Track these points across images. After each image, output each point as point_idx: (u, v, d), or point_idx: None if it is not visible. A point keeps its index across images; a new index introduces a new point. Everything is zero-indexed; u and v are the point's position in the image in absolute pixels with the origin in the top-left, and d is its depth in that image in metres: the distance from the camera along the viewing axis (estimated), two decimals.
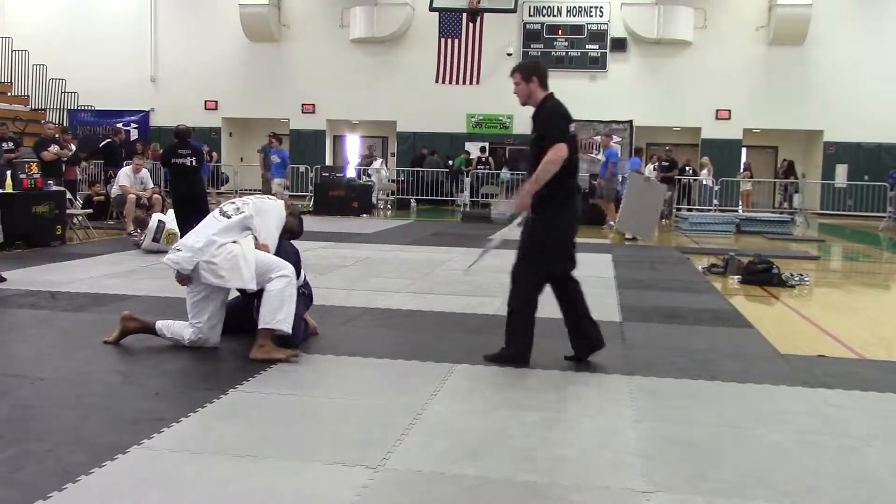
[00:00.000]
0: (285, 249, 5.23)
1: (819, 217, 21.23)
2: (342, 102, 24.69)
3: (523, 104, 5.00)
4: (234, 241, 4.92)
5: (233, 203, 5.20)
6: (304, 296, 5.33)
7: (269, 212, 5.17)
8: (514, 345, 4.88)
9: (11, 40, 24.79)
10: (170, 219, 10.21)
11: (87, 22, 25.20)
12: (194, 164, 9.55)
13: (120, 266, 8.84)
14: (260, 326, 4.80)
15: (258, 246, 5.00)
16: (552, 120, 4.80)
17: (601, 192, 16.48)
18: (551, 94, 4.91)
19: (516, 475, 3.20)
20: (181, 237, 9.48)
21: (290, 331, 4.82)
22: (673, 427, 3.85)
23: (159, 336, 5.11)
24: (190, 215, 9.47)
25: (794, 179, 21.64)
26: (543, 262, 4.84)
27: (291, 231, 5.43)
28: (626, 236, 13.43)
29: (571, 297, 4.97)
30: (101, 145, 15.83)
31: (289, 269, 4.91)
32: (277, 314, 4.76)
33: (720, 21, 23.39)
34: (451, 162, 22.56)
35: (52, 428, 3.59)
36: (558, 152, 4.61)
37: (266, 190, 19.07)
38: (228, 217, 5.04)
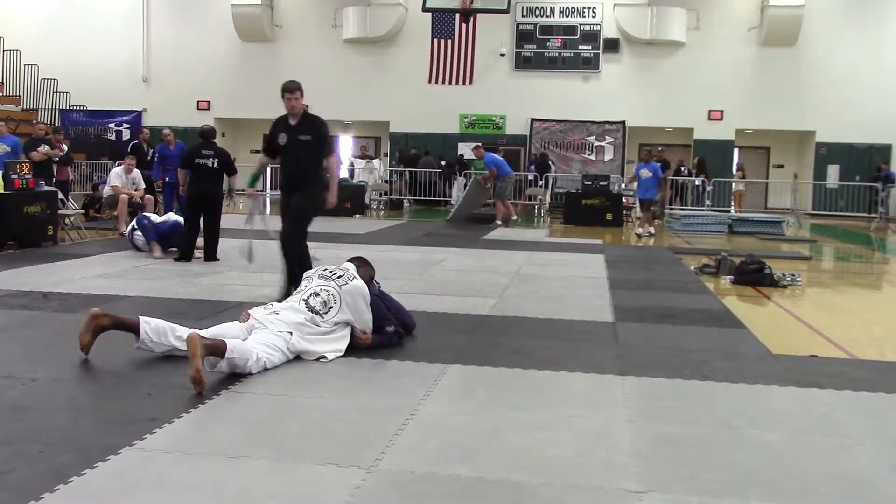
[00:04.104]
0: (375, 302, 5.27)
1: (811, 217, 21.31)
2: (335, 103, 24.60)
3: (296, 115, 6.74)
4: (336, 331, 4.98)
5: (316, 294, 5.00)
6: (396, 335, 5.31)
7: (357, 299, 5.07)
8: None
9: (3, 40, 24.69)
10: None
11: (79, 22, 25.13)
12: (216, 165, 9.45)
13: (112, 267, 8.82)
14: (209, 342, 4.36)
15: (362, 339, 5.05)
16: (328, 131, 6.85)
17: (499, 192, 16.77)
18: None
19: (510, 475, 3.20)
20: (185, 237, 9.43)
21: (227, 370, 4.44)
22: (666, 427, 3.86)
23: (140, 340, 4.70)
24: (198, 216, 9.37)
25: (706, 178, 21.16)
26: (309, 222, 6.82)
27: (371, 278, 5.50)
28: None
29: None
30: (129, 147, 15.66)
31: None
32: (245, 356, 4.46)
33: (713, 22, 23.47)
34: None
35: (44, 429, 3.58)
36: (338, 160, 6.55)
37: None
38: (316, 312, 4.91)
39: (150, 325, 4.77)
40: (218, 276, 8.31)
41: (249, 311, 4.99)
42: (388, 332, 5.26)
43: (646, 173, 15.01)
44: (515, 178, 18.96)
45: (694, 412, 4.12)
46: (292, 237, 6.75)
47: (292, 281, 6.43)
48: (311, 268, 6.21)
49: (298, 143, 6.75)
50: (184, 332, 4.74)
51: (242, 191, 11.04)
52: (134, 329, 4.76)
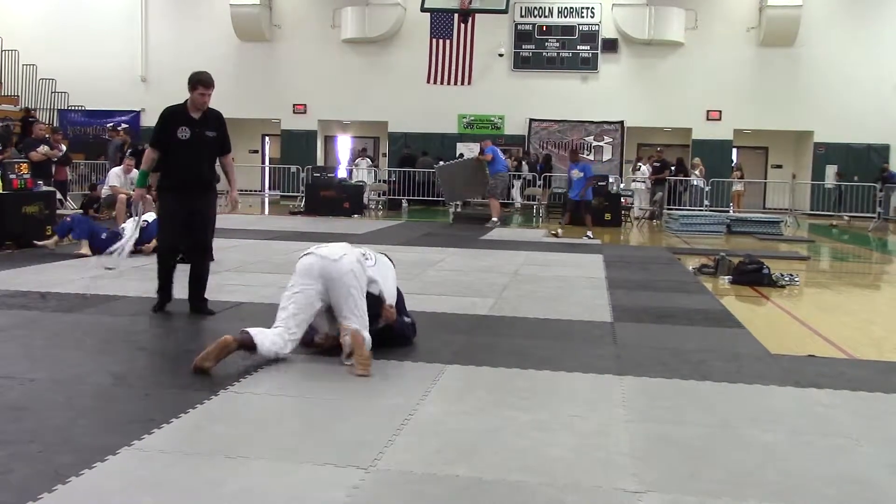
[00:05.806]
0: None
1: (809, 217, 21.32)
2: (333, 103, 24.67)
3: (200, 109, 6.45)
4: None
5: (358, 248, 5.16)
6: (411, 327, 5.46)
7: (387, 271, 5.24)
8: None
9: (1, 40, 24.68)
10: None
11: (77, 22, 25.10)
12: None
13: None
14: (354, 331, 4.66)
15: (389, 312, 5.10)
16: (226, 132, 6.56)
17: (492, 189, 16.72)
18: None
19: (508, 475, 3.20)
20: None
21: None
22: (664, 427, 3.86)
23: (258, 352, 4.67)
24: None
25: (685, 177, 20.95)
26: None
27: None
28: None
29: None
30: (140, 148, 15.62)
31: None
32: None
33: (711, 22, 23.49)
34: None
35: (43, 429, 3.57)
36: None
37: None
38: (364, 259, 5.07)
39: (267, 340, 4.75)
40: (216, 276, 8.28)
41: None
42: (406, 322, 5.37)
43: (576, 174, 14.78)
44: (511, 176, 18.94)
45: (692, 412, 4.12)
46: (210, 248, 6.59)
47: (197, 281, 6.36)
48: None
49: (204, 139, 6.37)
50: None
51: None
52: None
